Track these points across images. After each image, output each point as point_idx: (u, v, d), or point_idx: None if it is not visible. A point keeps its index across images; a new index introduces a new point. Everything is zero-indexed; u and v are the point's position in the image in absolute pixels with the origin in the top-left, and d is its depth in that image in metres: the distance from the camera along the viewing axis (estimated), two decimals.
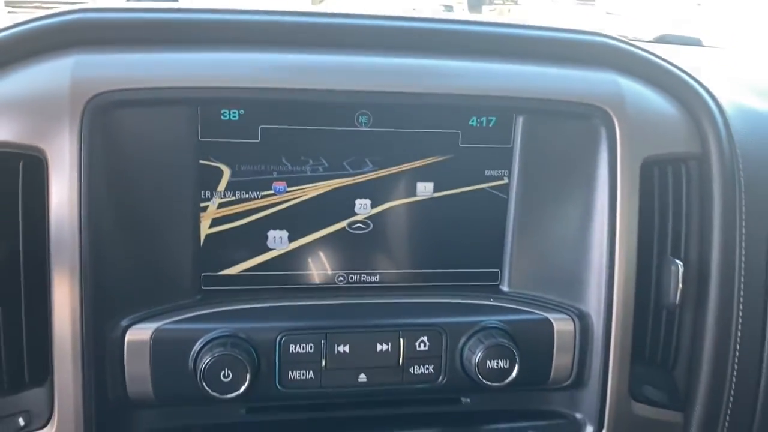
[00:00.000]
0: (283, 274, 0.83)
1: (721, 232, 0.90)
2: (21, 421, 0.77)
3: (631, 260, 0.84)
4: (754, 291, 0.93)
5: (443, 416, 0.85)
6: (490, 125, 0.84)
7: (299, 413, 0.83)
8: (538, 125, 0.84)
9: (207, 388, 0.74)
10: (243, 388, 0.74)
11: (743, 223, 0.91)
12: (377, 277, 0.85)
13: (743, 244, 0.90)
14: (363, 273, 0.85)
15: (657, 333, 0.90)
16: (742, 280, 0.91)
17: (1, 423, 0.78)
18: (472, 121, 0.83)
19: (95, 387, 0.75)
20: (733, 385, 0.93)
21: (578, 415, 0.87)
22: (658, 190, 0.88)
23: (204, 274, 0.81)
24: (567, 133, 0.84)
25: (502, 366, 0.79)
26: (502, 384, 0.79)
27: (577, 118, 0.83)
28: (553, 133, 0.84)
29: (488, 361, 0.79)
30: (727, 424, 0.94)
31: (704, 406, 0.92)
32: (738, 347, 0.92)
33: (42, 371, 0.77)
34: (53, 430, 0.75)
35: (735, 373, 0.93)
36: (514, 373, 0.80)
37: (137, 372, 0.76)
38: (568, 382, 0.85)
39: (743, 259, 0.91)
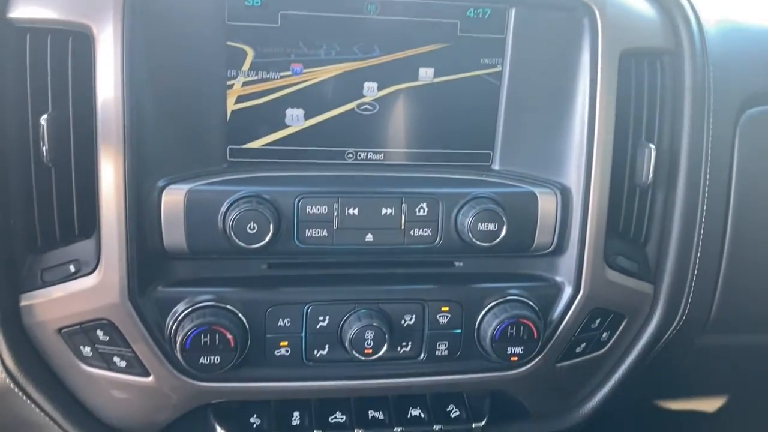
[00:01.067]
0: (299, 150, 0.94)
1: (691, 120, 1.00)
2: (72, 268, 0.89)
3: (609, 142, 0.95)
4: (719, 174, 1.04)
5: (439, 276, 0.96)
6: (486, 16, 0.93)
7: (314, 270, 0.94)
8: (529, 17, 0.94)
9: (235, 238, 0.85)
10: (267, 238, 0.85)
11: (710, 113, 1.01)
12: (382, 155, 0.96)
13: (710, 131, 1.01)
14: (369, 151, 0.96)
15: (630, 210, 1.01)
16: (709, 163, 1.02)
17: (55, 270, 0.90)
18: (470, 12, 0.93)
19: (136, 239, 0.86)
20: (697, 260, 1.05)
21: (558, 279, 0.98)
22: (634, 80, 0.98)
23: (230, 146, 0.92)
24: (554, 25, 0.94)
25: (491, 228, 0.91)
26: (491, 244, 0.91)
27: (563, 10, 0.93)
28: (542, 24, 0.94)
29: (479, 224, 0.90)
30: (690, 296, 1.06)
31: (671, 278, 1.04)
32: (703, 225, 1.03)
33: (90, 226, 0.88)
34: (99, 275, 0.87)
35: (699, 249, 1.04)
36: (502, 235, 0.91)
37: (172, 226, 0.87)
38: (550, 249, 0.96)
39: (710, 145, 1.01)
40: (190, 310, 0.88)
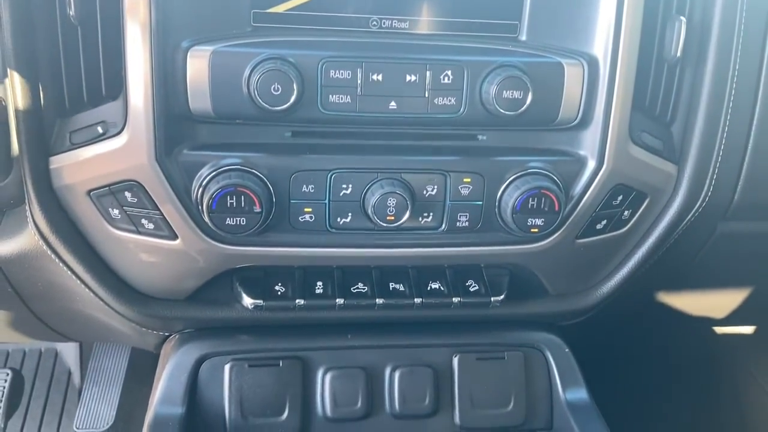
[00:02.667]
0: (323, 15, 0.93)
1: None
2: (99, 130, 0.90)
3: (638, 12, 0.93)
4: (751, 53, 1.02)
5: (462, 148, 0.96)
6: None
7: (337, 139, 0.95)
8: None
9: (259, 99, 0.86)
10: (291, 99, 0.86)
11: None
12: (407, 23, 0.95)
13: (744, 5, 0.98)
14: (394, 18, 0.94)
15: (657, 85, 1.00)
16: (741, 41, 1.00)
17: (83, 132, 0.91)
18: None
19: (163, 99, 0.87)
20: (723, 142, 1.04)
21: (581, 153, 0.98)
22: None
23: (254, 10, 0.91)
24: None
25: (516, 97, 0.90)
26: (515, 113, 0.90)
27: None
28: None
29: (504, 92, 0.90)
30: (714, 178, 1.05)
31: (696, 159, 1.04)
32: (731, 106, 1.02)
33: (117, 87, 0.89)
34: (127, 136, 0.88)
35: (726, 131, 1.03)
36: (527, 104, 0.90)
37: (198, 88, 0.87)
38: (575, 123, 0.96)
39: (743, 20, 0.99)
40: (215, 172, 0.89)
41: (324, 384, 1.04)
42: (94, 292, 0.99)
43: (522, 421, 1.08)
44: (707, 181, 1.05)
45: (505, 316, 1.09)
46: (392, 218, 0.92)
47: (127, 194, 0.91)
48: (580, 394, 1.07)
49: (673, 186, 1.05)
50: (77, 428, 1.93)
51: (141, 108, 0.86)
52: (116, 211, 0.92)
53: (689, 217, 1.07)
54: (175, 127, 0.89)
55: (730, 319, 1.44)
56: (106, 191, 0.91)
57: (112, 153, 0.89)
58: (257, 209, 0.89)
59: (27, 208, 0.95)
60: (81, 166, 0.91)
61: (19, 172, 0.92)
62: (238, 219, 0.89)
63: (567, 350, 1.11)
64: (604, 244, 1.05)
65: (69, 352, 2.15)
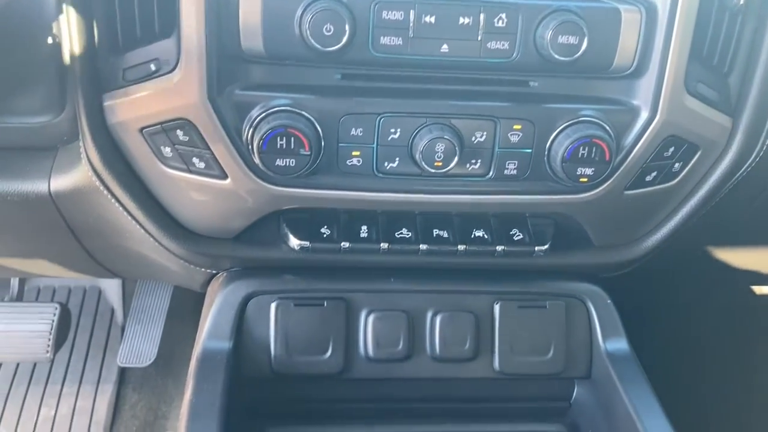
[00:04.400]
0: None
1: None
2: (152, 67, 0.91)
3: None
4: None
5: (513, 94, 0.95)
6: None
7: (387, 83, 0.94)
8: None
9: (311, 39, 0.85)
10: (343, 40, 0.85)
11: None
12: None
13: None
14: None
15: (717, 34, 0.97)
16: None
17: (136, 69, 0.92)
18: None
19: (215, 38, 0.87)
20: None
21: (635, 102, 0.96)
22: None
23: None
24: None
25: (571, 42, 0.88)
26: (570, 59, 0.89)
27: None
28: None
29: (559, 36, 0.88)
30: None
31: (752, 112, 1.01)
32: None
33: (170, 24, 0.89)
34: (179, 73, 0.89)
35: None
36: (582, 49, 0.88)
37: (250, 26, 0.87)
38: (629, 71, 0.94)
39: None
40: (266, 113, 0.89)
41: (367, 325, 1.06)
42: (144, 229, 1.02)
43: (561, 369, 1.09)
44: (763, 135, 1.03)
45: (548, 267, 1.09)
46: (440, 164, 0.92)
47: (179, 132, 0.92)
48: (620, 344, 1.08)
49: (727, 139, 1.03)
50: (121, 362, 2.00)
51: (194, 46, 0.87)
52: (168, 149, 0.94)
53: (741, 171, 1.05)
54: (228, 66, 0.89)
55: None
56: (159, 129, 0.92)
57: (164, 91, 0.89)
58: (306, 151, 0.89)
59: (81, 144, 0.96)
60: (134, 104, 0.92)
61: (74, 108, 0.94)
62: (288, 160, 0.90)
63: (609, 301, 1.11)
64: (653, 197, 1.04)
65: (112, 290, 2.22)
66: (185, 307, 2.12)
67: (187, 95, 0.89)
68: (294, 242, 1.02)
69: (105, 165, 0.95)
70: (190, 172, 0.95)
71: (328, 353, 1.04)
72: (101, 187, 0.98)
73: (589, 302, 1.11)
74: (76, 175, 1.00)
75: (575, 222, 1.06)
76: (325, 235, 1.02)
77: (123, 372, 2.02)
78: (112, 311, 2.20)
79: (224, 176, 0.94)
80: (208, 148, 0.92)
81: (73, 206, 1.05)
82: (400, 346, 1.05)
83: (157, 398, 1.96)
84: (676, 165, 1.02)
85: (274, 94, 0.91)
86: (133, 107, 0.92)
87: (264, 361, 1.04)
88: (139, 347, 2.08)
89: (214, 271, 1.10)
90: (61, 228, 1.10)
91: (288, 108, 0.90)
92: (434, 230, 1.04)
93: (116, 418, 1.94)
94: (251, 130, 0.90)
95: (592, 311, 1.10)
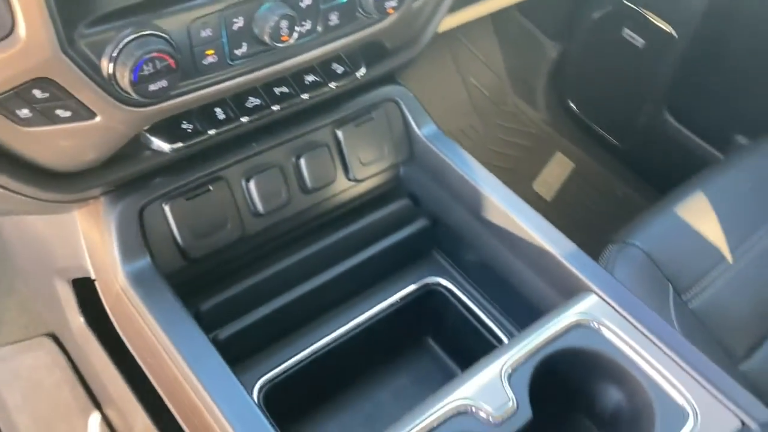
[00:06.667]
0: None
1: None
2: None
3: None
4: None
5: None
6: None
7: None
8: None
9: None
10: None
11: None
12: None
13: None
14: None
15: None
16: None
17: None
18: None
19: None
20: None
21: None
22: None
23: None
24: None
25: None
26: None
27: None
28: None
29: None
30: None
31: None
32: None
33: None
34: (23, 33, 0.82)
35: None
36: None
37: None
38: None
39: None
40: (123, 45, 0.89)
41: (251, 190, 1.19)
42: (12, 192, 0.99)
43: (394, 160, 1.35)
44: None
45: (366, 83, 1.29)
46: (286, 38, 1.02)
47: (36, 92, 0.88)
48: (432, 128, 1.35)
49: None
50: None
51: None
52: (26, 111, 0.90)
53: None
54: (68, 7, 0.85)
55: None
56: (11, 95, 0.87)
57: (9, 57, 0.84)
58: (174, 68, 0.93)
59: None
60: None
61: None
62: (160, 83, 0.93)
63: (412, 95, 1.36)
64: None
65: None
66: None
67: (38, 53, 0.84)
68: (165, 146, 1.07)
69: None
70: (55, 123, 0.93)
71: (228, 225, 1.17)
72: None
73: (400, 101, 1.34)
74: None
75: (377, 42, 1.24)
76: (189, 130, 1.09)
77: None
78: None
79: (93, 116, 0.94)
80: (73, 97, 0.90)
81: None
82: (283, 195, 1.22)
83: None
84: None
85: (121, 22, 0.90)
86: None
87: (177, 256, 1.14)
88: None
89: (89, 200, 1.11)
90: None
91: (142, 34, 0.90)
92: (275, 89, 1.16)
93: None
94: (112, 65, 0.90)
95: (404, 108, 1.35)
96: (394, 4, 1.11)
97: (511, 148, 2.68)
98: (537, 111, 2.79)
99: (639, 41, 2.37)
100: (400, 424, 0.93)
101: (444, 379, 1.06)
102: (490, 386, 0.98)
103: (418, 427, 0.93)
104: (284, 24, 1.00)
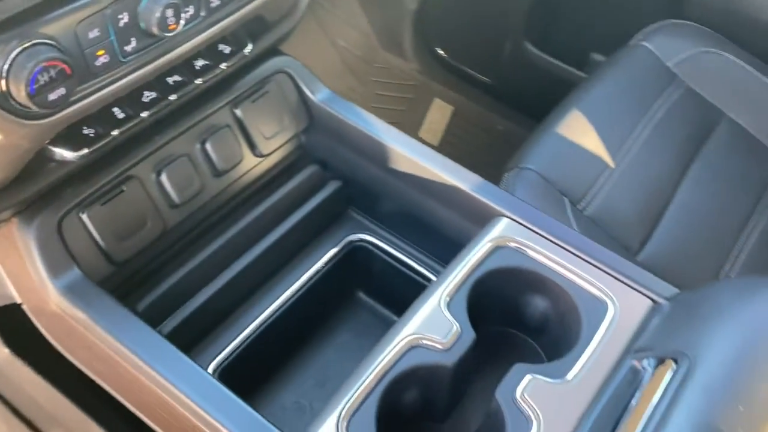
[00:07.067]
0: None
1: None
2: None
3: None
4: None
5: None
6: None
7: None
8: None
9: None
10: None
11: None
12: None
13: None
14: None
15: None
16: None
17: None
18: None
19: None
20: None
21: None
22: None
23: None
24: None
25: None
26: None
27: None
28: None
29: None
30: None
31: None
32: None
33: None
34: None
35: None
36: None
37: None
38: None
39: None
40: (14, 57, 0.88)
41: (163, 183, 1.19)
42: None
43: (296, 129, 1.38)
44: None
45: (253, 58, 1.31)
46: (174, 26, 1.03)
47: None
48: (326, 92, 1.39)
49: None
50: None
51: None
52: None
53: None
54: None
55: None
56: None
57: None
58: (69, 73, 0.92)
59: None
60: None
61: None
62: (59, 90, 0.92)
63: (300, 63, 1.39)
64: None
65: None
66: None
67: None
68: (70, 155, 1.05)
69: None
70: None
71: (149, 222, 1.17)
72: None
73: (290, 71, 1.37)
74: None
75: (259, 17, 1.26)
76: (92, 135, 1.08)
77: None
78: None
79: None
80: None
81: None
82: (196, 182, 1.23)
83: None
84: None
85: (5, 35, 0.88)
86: None
87: (105, 262, 1.13)
88: None
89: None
90: None
91: (30, 44, 0.89)
92: (168, 80, 1.16)
93: None
94: (5, 81, 0.88)
95: (295, 76, 1.38)
96: None
97: (391, 103, 2.76)
98: (408, 62, 2.88)
99: None
100: (361, 369, 1.00)
101: (382, 327, 1.11)
102: (433, 317, 1.05)
103: (377, 370, 1.00)
104: (169, 13, 1.01)
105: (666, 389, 0.86)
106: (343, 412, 0.95)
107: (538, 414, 0.94)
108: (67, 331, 1.08)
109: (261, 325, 1.29)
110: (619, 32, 2.07)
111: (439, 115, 2.80)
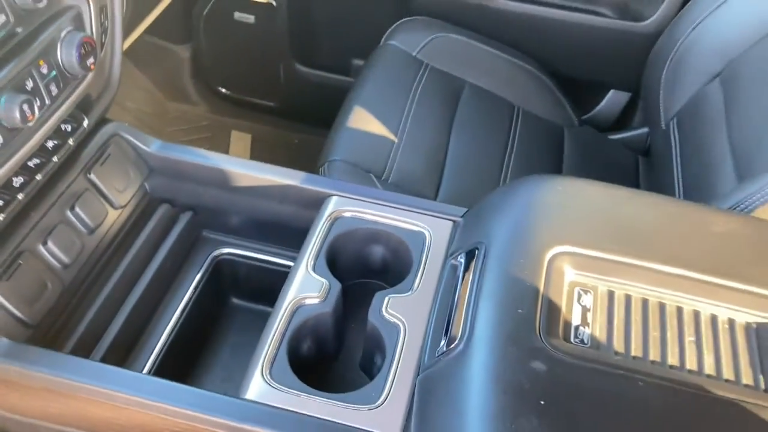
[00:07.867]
0: None
1: None
2: None
3: None
4: None
5: None
6: None
7: None
8: None
9: None
10: None
11: None
12: None
13: None
14: None
15: None
16: None
17: None
18: None
19: None
20: None
21: None
22: None
23: None
24: None
25: None
26: None
27: None
28: None
29: None
30: None
31: None
32: None
33: None
34: None
35: None
36: None
37: None
38: None
39: None
40: None
41: (51, 249, 1.38)
42: None
43: (142, 179, 1.63)
44: None
45: (89, 132, 1.53)
46: (31, 117, 1.24)
47: None
48: (156, 143, 1.65)
49: None
50: None
51: None
52: None
53: None
54: None
55: None
56: None
57: None
58: None
59: None
60: None
61: None
62: None
63: (127, 125, 1.63)
64: None
65: None
66: None
67: None
68: None
69: None
70: None
71: (49, 285, 1.37)
72: None
73: (122, 133, 1.61)
74: None
75: (87, 95, 1.49)
76: None
77: None
78: None
79: None
80: None
81: None
82: (77, 242, 1.43)
83: None
84: None
85: None
86: None
87: (22, 328, 1.31)
88: None
89: None
90: None
91: None
92: (29, 163, 1.36)
93: None
94: None
95: (127, 136, 1.62)
96: (92, 60, 1.39)
97: (194, 145, 2.99)
98: (197, 106, 3.14)
99: (250, 18, 2.83)
100: (266, 332, 1.29)
101: (264, 320, 1.35)
102: (306, 281, 1.37)
103: (276, 335, 1.29)
104: (26, 107, 1.23)
105: (476, 266, 1.25)
106: (264, 365, 1.23)
107: (402, 320, 1.30)
108: (13, 392, 1.25)
109: (166, 340, 1.53)
110: (369, 37, 2.51)
111: (241, 144, 3.09)
